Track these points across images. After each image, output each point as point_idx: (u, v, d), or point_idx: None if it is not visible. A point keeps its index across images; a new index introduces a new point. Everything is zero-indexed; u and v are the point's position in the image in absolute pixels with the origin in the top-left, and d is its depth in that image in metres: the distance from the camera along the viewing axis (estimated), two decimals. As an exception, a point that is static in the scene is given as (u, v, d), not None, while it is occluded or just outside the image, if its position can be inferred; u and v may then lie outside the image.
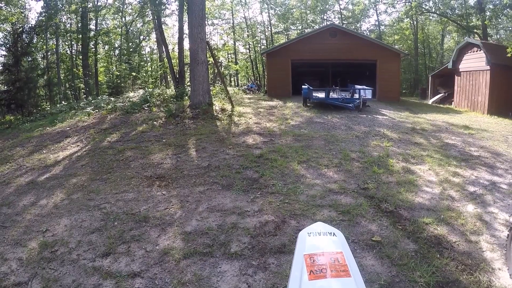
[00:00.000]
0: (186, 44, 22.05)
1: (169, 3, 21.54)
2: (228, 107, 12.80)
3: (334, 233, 1.63)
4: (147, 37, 42.25)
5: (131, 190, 5.42)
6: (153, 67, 38.91)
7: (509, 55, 16.29)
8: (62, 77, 34.31)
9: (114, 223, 4.28)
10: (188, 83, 20.09)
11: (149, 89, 21.31)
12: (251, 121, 10.94)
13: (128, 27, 38.30)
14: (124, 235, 3.96)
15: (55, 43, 33.54)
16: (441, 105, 21.80)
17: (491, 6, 23.51)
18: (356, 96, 14.54)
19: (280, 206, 4.55)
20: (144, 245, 3.75)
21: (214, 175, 5.90)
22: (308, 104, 15.20)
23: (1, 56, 29.18)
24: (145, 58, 42.13)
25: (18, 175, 7.06)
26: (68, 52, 37.47)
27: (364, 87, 15.82)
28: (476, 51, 19.41)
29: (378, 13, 45.65)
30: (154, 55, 43.06)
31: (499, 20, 32.46)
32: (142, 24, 39.41)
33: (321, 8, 43.69)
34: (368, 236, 3.79)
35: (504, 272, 3.24)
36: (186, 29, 18.83)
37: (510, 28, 37.14)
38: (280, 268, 3.23)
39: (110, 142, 8.96)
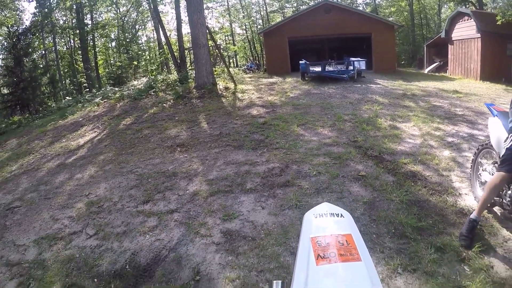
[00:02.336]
0: (183, 30, 22.73)
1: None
2: (231, 85, 13.62)
3: (341, 214, 1.53)
4: (143, 26, 42.70)
5: (156, 157, 6.34)
6: (151, 55, 39.43)
7: (499, 22, 16.91)
8: (62, 74, 35.00)
9: (148, 180, 5.20)
10: (189, 67, 20.91)
11: (152, 76, 22.00)
12: (254, 96, 11.80)
13: (124, 18, 38.65)
14: (158, 187, 4.89)
15: (52, 41, 34.17)
16: (436, 74, 22.51)
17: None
18: (351, 68, 15.39)
19: (283, 157, 5.47)
20: (176, 191, 4.68)
21: (226, 140, 6.82)
22: (306, 78, 16.03)
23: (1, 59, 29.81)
24: (142, 47, 42.52)
25: (45, 162, 7.79)
26: (66, 48, 38.04)
27: (358, 59, 16.64)
28: (467, 20, 20.06)
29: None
30: (151, 43, 43.67)
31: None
32: (137, 14, 39.77)
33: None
34: (355, 173, 4.72)
35: (469, 196, 4.07)
36: (183, 16, 19.54)
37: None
38: (285, 196, 4.16)
39: (126, 125, 9.82)
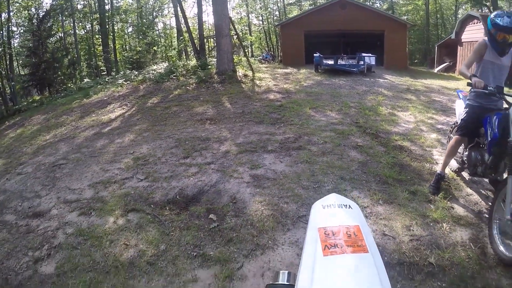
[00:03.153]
0: (205, 18, 23.67)
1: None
2: (249, 73, 14.74)
3: (349, 205, 1.52)
4: (161, 13, 43.85)
5: (189, 127, 7.51)
6: (168, 41, 40.53)
7: None
8: (81, 57, 36.09)
9: (186, 143, 6.37)
10: (208, 55, 22.07)
11: (172, 62, 23.17)
12: (271, 84, 12.94)
13: (143, 4, 39.74)
14: (195, 147, 6.06)
15: (72, 24, 35.32)
16: (445, 74, 23.36)
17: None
18: (362, 62, 16.51)
19: (297, 130, 6.64)
20: (211, 150, 5.85)
21: (248, 117, 7.98)
22: (319, 70, 17.17)
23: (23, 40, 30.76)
24: (159, 34, 43.60)
25: (80, 131, 8.79)
26: (84, 32, 39.00)
27: (369, 55, 17.70)
28: (476, 23, 21.10)
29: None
30: (168, 30, 44.88)
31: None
32: (155, 1, 40.95)
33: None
34: (354, 143, 5.86)
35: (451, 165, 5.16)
36: (204, 5, 20.45)
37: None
38: (298, 155, 5.32)
39: (154, 103, 10.97)
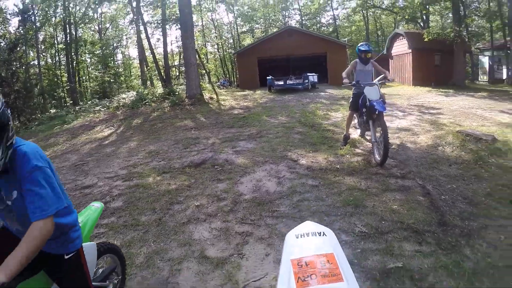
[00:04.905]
0: (159, 49, 26.51)
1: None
2: (214, 96, 17.71)
3: (323, 232, 1.53)
4: (121, 44, 46.22)
5: (179, 134, 10.28)
6: (127, 72, 42.85)
7: (426, 39, 22.03)
8: (45, 86, 36.56)
9: (182, 141, 9.12)
10: (173, 82, 25.04)
11: (140, 90, 25.79)
12: (233, 103, 15.96)
13: (109, 39, 41.89)
14: (190, 142, 8.82)
15: (36, 54, 36.11)
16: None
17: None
18: (306, 81, 20.05)
19: (258, 129, 9.64)
20: (202, 143, 8.65)
21: (221, 125, 10.90)
22: (272, 90, 20.65)
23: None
24: (120, 64, 45.68)
25: (81, 146, 10.80)
26: (50, 62, 39.97)
27: (313, 74, 21.27)
28: (402, 39, 25.72)
29: (333, 8, 51.35)
30: (129, 61, 47.32)
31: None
32: (124, 36, 43.32)
33: (283, 5, 48.93)
34: (297, 131, 8.91)
35: (355, 135, 8.13)
36: (169, 40, 23.31)
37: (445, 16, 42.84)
38: (260, 140, 8.28)
39: (138, 123, 13.52)
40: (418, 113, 11.10)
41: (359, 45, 7.30)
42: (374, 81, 6.84)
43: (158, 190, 5.53)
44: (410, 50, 24.38)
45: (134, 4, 27.29)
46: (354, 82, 6.77)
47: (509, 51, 26.58)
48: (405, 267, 3.07)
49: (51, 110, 27.39)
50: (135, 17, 28.11)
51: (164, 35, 25.77)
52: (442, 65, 24.27)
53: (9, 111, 1.69)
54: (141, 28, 29.12)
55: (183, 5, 17.11)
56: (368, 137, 7.20)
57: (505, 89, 20.54)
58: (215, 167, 6.50)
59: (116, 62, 45.09)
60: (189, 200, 4.95)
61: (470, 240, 3.51)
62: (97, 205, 2.63)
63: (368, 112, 6.35)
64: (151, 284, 3.12)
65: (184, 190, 5.42)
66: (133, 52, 64.97)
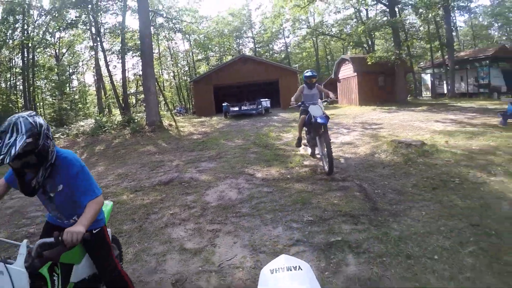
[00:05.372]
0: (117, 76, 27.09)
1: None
2: (173, 123, 18.56)
3: (299, 266, 1.50)
4: (82, 73, 45.96)
5: (144, 158, 11.05)
6: (83, 99, 42.61)
7: (369, 63, 24.18)
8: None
9: (148, 164, 9.89)
10: (132, 110, 25.65)
11: (99, 118, 26.13)
12: (192, 129, 16.89)
13: (68, 67, 41.54)
14: (156, 165, 9.62)
15: None
16: (330, 105, 29.10)
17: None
18: (260, 106, 21.36)
19: (217, 151, 10.61)
20: (167, 165, 9.46)
21: (182, 149, 11.78)
22: (228, 116, 21.84)
23: None
24: (75, 91, 45.01)
25: None
26: (4, 86, 37.74)
27: (266, 99, 22.70)
28: (348, 63, 28.05)
29: (285, 36, 53.77)
30: (86, 88, 47.10)
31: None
32: (80, 62, 43.11)
33: (237, 33, 50.72)
34: (252, 151, 9.95)
35: (308, 151, 9.28)
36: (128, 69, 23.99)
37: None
38: (220, 160, 9.25)
39: (101, 150, 14.15)
40: (361, 129, 12.59)
41: (304, 72, 8.29)
42: (318, 101, 7.65)
43: (134, 204, 6.28)
44: (355, 74, 26.66)
45: (94, 30, 27.72)
46: (299, 103, 7.81)
47: (448, 68, 29.87)
48: (344, 240, 4.11)
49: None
50: (94, 44, 28.52)
51: (123, 63, 26.49)
52: (385, 85, 26.84)
53: (50, 141, 2.36)
54: (100, 55, 29.62)
55: (144, 35, 18.05)
56: (318, 156, 8.00)
57: (445, 102, 23.34)
58: (182, 183, 7.35)
59: (72, 89, 44.36)
60: (164, 210, 5.78)
61: (397, 218, 4.64)
62: (108, 202, 3.46)
63: (314, 129, 7.25)
64: (142, 273, 3.87)
65: (157, 203, 6.21)
66: (89, 79, 64.68)
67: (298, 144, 8.37)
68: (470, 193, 5.26)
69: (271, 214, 5.11)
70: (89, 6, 25.51)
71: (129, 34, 30.07)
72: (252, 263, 3.81)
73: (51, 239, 2.09)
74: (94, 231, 2.72)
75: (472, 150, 7.76)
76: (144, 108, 25.56)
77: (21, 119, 2.15)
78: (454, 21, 41.24)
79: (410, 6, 28.64)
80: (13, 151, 2.02)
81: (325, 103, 8.03)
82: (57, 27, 30.87)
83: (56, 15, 27.57)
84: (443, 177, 6.06)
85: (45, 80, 39.10)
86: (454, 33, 42.34)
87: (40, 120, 2.26)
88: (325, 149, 6.81)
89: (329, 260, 3.71)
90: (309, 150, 8.71)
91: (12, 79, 38.26)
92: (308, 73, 8.10)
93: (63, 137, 18.54)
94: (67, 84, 40.77)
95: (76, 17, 26.97)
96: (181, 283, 3.57)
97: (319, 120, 6.82)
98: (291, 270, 1.48)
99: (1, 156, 1.99)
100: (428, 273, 3.35)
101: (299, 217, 4.94)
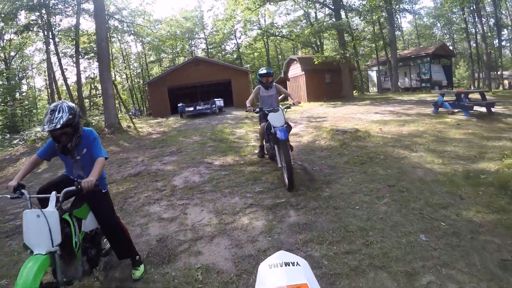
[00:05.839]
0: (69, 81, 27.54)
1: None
2: (131, 124, 19.27)
3: (297, 262, 1.54)
4: (32, 77, 44.91)
5: (110, 157, 11.55)
6: (37, 104, 41.87)
7: (316, 62, 25.96)
8: None
9: (115, 162, 10.68)
10: (88, 113, 26.05)
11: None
12: (150, 129, 17.73)
13: (18, 71, 40.53)
14: (122, 162, 10.44)
15: None
16: (281, 102, 30.82)
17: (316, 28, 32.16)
18: (214, 106, 22.53)
19: (177, 147, 11.63)
20: (133, 161, 10.31)
21: (144, 147, 12.66)
22: (183, 116, 22.86)
23: None
24: (29, 96, 43.96)
25: (13, 176, 12.23)
26: None
27: (219, 99, 23.89)
28: (296, 63, 29.81)
29: (236, 37, 55.01)
30: (39, 92, 46.13)
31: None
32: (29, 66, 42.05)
33: (189, 35, 51.40)
34: (209, 145, 11.07)
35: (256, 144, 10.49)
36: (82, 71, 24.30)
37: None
38: (181, 155, 10.30)
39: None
40: (307, 122, 14.06)
41: (259, 70, 7.48)
42: (278, 107, 6.79)
43: (111, 193, 7.25)
44: (303, 73, 28.45)
45: (47, 33, 27.63)
46: (257, 109, 6.93)
47: (392, 65, 32.36)
48: (286, 201, 5.42)
49: None
50: (48, 47, 28.39)
51: (78, 66, 26.72)
52: (332, 82, 28.81)
53: (80, 119, 3.52)
54: (53, 58, 29.56)
55: (101, 40, 18.59)
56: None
57: (389, 96, 25.62)
58: (150, 174, 8.33)
59: (22, 94, 43.12)
60: (138, 194, 6.76)
61: (329, 185, 6.03)
62: None
63: (274, 138, 6.48)
64: (132, 237, 4.93)
65: (132, 190, 7.17)
66: (39, 83, 62.50)
67: (261, 154, 7.94)
68: (391, 165, 6.75)
69: (229, 189, 6.33)
70: (44, 9, 25.62)
71: (84, 38, 30.22)
72: (217, 221, 5.00)
73: (73, 188, 3.15)
74: (103, 190, 3.82)
75: (402, 134, 9.44)
76: (98, 111, 26.03)
77: (64, 104, 3.36)
78: (399, 22, 44.42)
79: (353, 11, 30.87)
80: (61, 122, 3.21)
81: (287, 109, 7.06)
82: (8, 30, 30.49)
83: (8, 18, 27.40)
84: (371, 155, 7.54)
85: None
86: (399, 33, 45.63)
87: (73, 105, 3.48)
88: (284, 163, 5.96)
89: (275, 215, 4.99)
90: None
91: None
92: (262, 71, 7.37)
93: (21, 143, 18.74)
94: (17, 90, 39.52)
95: (32, 20, 26.86)
96: (164, 239, 4.67)
97: (278, 135, 6.01)
98: (288, 265, 1.51)
99: (54, 124, 3.17)
100: (351, 217, 4.69)
101: (251, 189, 6.20)
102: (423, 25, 54.30)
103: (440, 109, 12.88)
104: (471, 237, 3.86)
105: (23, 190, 3.21)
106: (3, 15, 27.74)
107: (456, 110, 12.36)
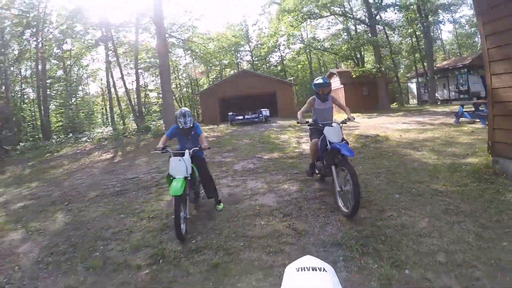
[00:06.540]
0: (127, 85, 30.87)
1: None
2: (188, 129, 22.11)
3: (324, 268, 1.55)
4: (86, 84, 49.38)
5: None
6: (95, 109, 46.01)
7: (354, 76, 28.24)
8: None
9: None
10: (146, 119, 29.34)
11: (117, 126, 29.74)
12: (205, 134, 20.41)
13: (77, 77, 44.57)
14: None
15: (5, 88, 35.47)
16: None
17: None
18: (261, 115, 25.26)
19: (232, 147, 14.24)
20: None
21: (204, 145, 15.31)
22: (233, 124, 25.81)
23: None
24: (87, 101, 47.62)
25: (92, 165, 14.23)
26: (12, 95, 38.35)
27: (266, 109, 26.56)
28: (335, 76, 32.07)
29: (280, 50, 57.35)
30: (96, 98, 50.49)
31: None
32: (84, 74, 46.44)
33: (235, 48, 54.25)
34: (258, 146, 13.57)
35: (299, 149, 12.81)
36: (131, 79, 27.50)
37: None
38: (235, 152, 12.94)
39: (132, 149, 17.60)
40: (340, 130, 16.17)
41: (314, 80, 6.82)
42: (334, 121, 6.38)
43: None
44: (342, 86, 30.62)
45: (110, 47, 31.37)
46: (311, 121, 6.33)
47: (427, 77, 33.66)
48: (315, 178, 7.66)
49: (22, 143, 27.65)
50: (111, 59, 32.15)
51: (137, 77, 30.37)
52: (369, 94, 30.83)
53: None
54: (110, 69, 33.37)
55: (163, 55, 21.78)
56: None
57: (424, 108, 27.29)
58: (215, 163, 10.90)
59: (78, 99, 45.46)
60: (215, 172, 9.35)
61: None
62: None
63: (329, 157, 5.85)
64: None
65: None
66: (93, 89, 66.96)
67: (310, 172, 7.06)
68: (395, 159, 8.96)
69: (275, 171, 8.85)
70: (111, 28, 29.42)
71: (142, 53, 33.84)
72: (267, 186, 7.52)
73: (197, 147, 5.85)
74: (202, 156, 6.30)
75: (417, 139, 11.49)
76: (151, 117, 29.43)
77: (187, 110, 5.94)
78: (438, 33, 44.70)
79: (387, 26, 32.55)
80: (190, 123, 5.88)
81: (343, 124, 6.45)
82: (77, 46, 34.54)
83: (76, 36, 31.39)
84: (382, 153, 9.78)
85: (55, 91, 40.91)
86: (439, 43, 45.83)
87: (189, 110, 6.04)
88: (349, 185, 5.36)
89: (305, 184, 7.42)
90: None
91: (21, 88, 39.98)
92: (318, 80, 6.71)
93: (89, 141, 22.01)
94: (76, 95, 43.06)
95: (98, 38, 30.69)
96: (233, 194, 7.21)
97: (343, 152, 5.40)
98: (316, 270, 1.53)
99: (189, 123, 5.81)
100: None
101: (290, 171, 8.65)
102: (464, 34, 53.11)
103: (461, 119, 14.35)
104: (431, 197, 5.99)
105: (167, 148, 5.85)
106: (74, 35, 32.02)
107: (477, 120, 13.73)
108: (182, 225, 5.17)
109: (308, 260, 1.63)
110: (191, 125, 6.01)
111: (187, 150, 5.80)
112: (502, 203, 5.34)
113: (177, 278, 4.20)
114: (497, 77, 6.43)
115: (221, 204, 6.44)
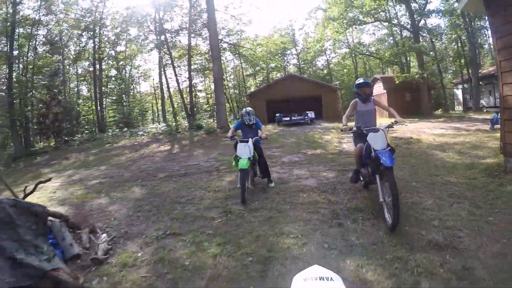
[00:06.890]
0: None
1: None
2: (238, 127, 24.02)
3: (331, 277, 1.56)
4: (138, 83, 52.95)
5: (229, 147, 16.39)
6: (140, 106, 48.51)
7: (396, 82, 29.26)
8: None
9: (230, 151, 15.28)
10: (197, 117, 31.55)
11: (170, 122, 32.10)
12: (254, 132, 22.30)
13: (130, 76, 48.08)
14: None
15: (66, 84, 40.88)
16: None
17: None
18: (306, 117, 27.05)
19: (280, 144, 16.08)
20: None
21: (254, 142, 17.13)
22: (279, 124, 27.78)
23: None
24: (139, 98, 51.48)
25: (154, 154, 16.34)
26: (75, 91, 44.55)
27: (311, 112, 28.19)
28: (379, 82, 32.94)
29: (326, 54, 58.58)
30: (148, 96, 53.95)
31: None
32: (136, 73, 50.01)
33: (282, 51, 55.79)
34: (303, 143, 15.24)
35: (340, 148, 14.29)
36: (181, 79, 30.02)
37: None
38: (283, 147, 14.74)
39: (187, 143, 19.67)
40: (381, 133, 17.53)
41: (355, 81, 6.61)
42: (379, 126, 6.10)
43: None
44: (385, 91, 31.53)
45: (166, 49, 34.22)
46: (354, 129, 6.05)
47: (472, 84, 33.75)
48: (349, 169, 9.21)
49: (78, 134, 30.19)
50: (165, 60, 35.10)
51: (190, 78, 32.96)
52: (412, 100, 31.29)
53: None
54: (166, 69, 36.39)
55: (216, 58, 23.90)
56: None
57: (467, 115, 27.80)
58: (265, 156, 12.57)
59: (129, 97, 48.20)
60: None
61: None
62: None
63: (374, 164, 5.54)
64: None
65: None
66: (144, 88, 70.14)
67: (354, 179, 6.72)
68: (422, 158, 10.37)
69: (317, 163, 10.54)
70: (168, 33, 32.06)
71: (196, 57, 36.32)
72: (309, 173, 9.23)
73: (258, 137, 7.87)
74: (259, 145, 8.08)
75: (448, 143, 12.63)
76: (200, 116, 31.76)
77: (251, 110, 7.95)
78: (486, 38, 43.93)
79: (429, 33, 32.91)
80: (254, 120, 7.86)
81: (389, 128, 6.24)
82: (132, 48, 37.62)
83: (133, 40, 34.53)
84: (412, 153, 11.21)
85: (110, 88, 44.84)
86: (487, 47, 45.10)
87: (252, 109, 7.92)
88: (388, 196, 5.17)
89: (341, 172, 9.06)
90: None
91: (77, 85, 45.01)
92: (359, 80, 6.50)
93: (145, 134, 24.45)
94: (128, 92, 46.27)
95: (157, 41, 33.46)
96: (281, 178, 8.99)
97: (383, 161, 5.14)
98: (323, 280, 1.54)
99: (252, 121, 7.80)
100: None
101: (330, 164, 10.31)
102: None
103: (496, 126, 14.81)
104: (441, 186, 7.37)
105: (235, 137, 7.71)
106: (135, 42, 35.28)
107: None
108: (245, 192, 6.96)
109: (316, 270, 1.66)
110: (254, 122, 7.95)
111: (250, 139, 7.64)
112: (501, 193, 6.39)
113: (242, 224, 5.92)
114: (507, 86, 7.41)
115: (273, 183, 8.26)
